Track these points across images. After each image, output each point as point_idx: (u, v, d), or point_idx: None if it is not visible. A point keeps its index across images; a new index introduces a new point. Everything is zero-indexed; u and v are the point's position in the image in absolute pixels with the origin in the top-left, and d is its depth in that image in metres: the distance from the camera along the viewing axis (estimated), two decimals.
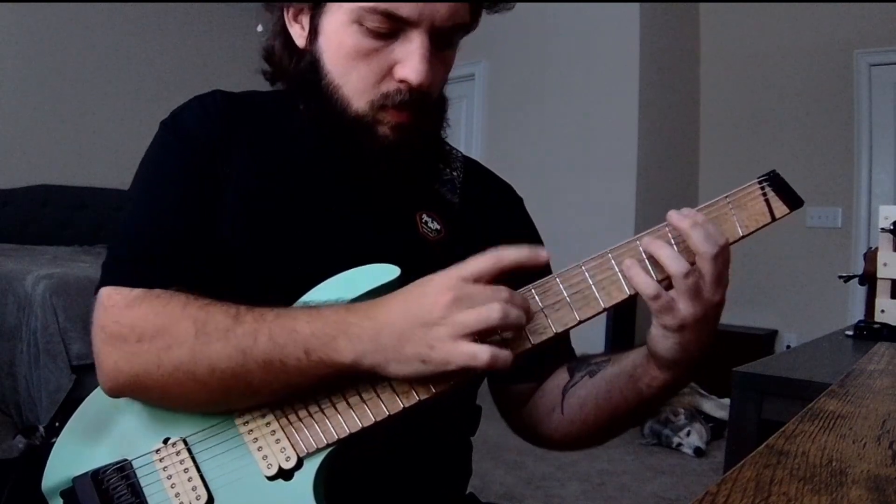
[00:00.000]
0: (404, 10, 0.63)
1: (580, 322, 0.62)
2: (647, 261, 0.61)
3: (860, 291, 2.26)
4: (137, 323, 0.61)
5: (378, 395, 0.60)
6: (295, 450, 0.60)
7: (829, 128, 3.62)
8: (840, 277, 1.69)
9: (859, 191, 3.54)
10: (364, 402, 0.60)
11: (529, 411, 0.80)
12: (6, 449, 2.38)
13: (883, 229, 1.27)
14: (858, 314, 2.38)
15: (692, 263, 0.60)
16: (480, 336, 0.56)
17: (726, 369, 1.17)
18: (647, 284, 0.60)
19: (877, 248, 1.32)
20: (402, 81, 0.66)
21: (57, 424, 0.67)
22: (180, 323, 0.60)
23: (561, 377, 0.77)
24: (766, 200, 0.63)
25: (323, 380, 0.59)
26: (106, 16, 4.41)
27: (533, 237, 0.85)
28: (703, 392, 3.24)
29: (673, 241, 0.61)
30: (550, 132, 3.90)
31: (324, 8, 0.68)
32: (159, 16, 4.65)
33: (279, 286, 0.64)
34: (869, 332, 1.45)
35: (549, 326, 0.61)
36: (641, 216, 3.54)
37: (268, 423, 0.61)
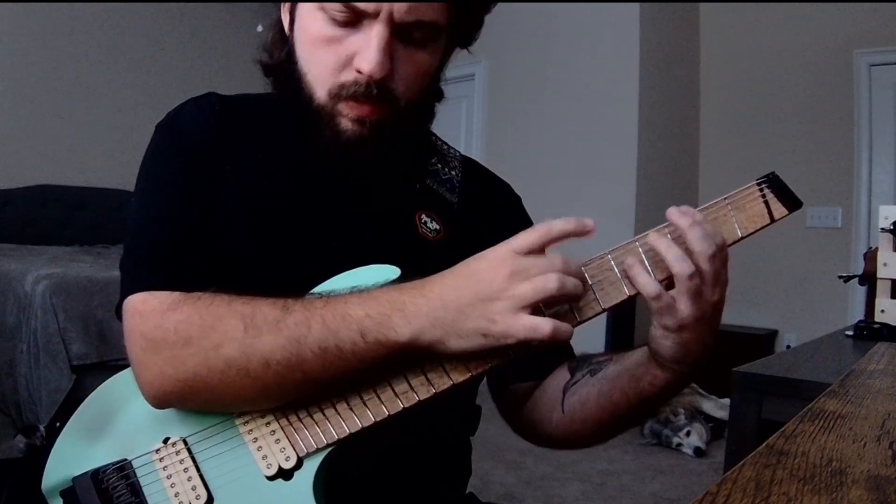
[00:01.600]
0: (362, 1, 0.63)
1: (579, 322, 0.62)
2: (647, 261, 0.61)
3: (860, 291, 2.26)
4: (181, 326, 0.59)
5: (377, 396, 0.60)
6: (295, 450, 0.60)
7: (829, 128, 3.62)
8: (840, 277, 1.69)
9: (859, 191, 3.54)
10: (363, 402, 0.60)
11: (530, 410, 0.80)
12: (6, 449, 2.38)
13: (883, 229, 1.27)
14: (858, 314, 2.39)
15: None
16: (542, 306, 0.57)
17: (726, 369, 1.17)
18: (649, 285, 0.60)
19: (877, 248, 1.32)
20: (359, 72, 0.65)
21: (58, 424, 0.66)
22: (228, 321, 0.59)
23: (562, 376, 0.77)
24: (765, 202, 0.63)
25: (379, 362, 0.58)
26: (106, 16, 4.41)
27: None
28: (703, 392, 3.24)
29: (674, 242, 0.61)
30: (550, 132, 3.90)
31: None
32: (159, 16, 4.65)
33: (279, 286, 0.64)
34: (869, 332, 1.45)
35: None
36: (641, 216, 3.54)
37: (268, 423, 0.61)
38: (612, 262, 0.62)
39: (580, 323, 0.61)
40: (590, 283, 0.61)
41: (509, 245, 0.58)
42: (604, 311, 0.62)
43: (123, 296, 0.64)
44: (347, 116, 0.67)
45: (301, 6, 0.68)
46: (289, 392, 0.60)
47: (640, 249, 0.62)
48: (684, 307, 0.59)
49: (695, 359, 0.64)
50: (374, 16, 0.63)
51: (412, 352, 0.58)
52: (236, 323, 0.58)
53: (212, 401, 0.61)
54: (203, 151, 0.69)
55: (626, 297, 0.62)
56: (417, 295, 0.57)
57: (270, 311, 0.59)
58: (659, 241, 0.60)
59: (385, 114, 0.67)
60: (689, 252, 0.59)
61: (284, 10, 0.73)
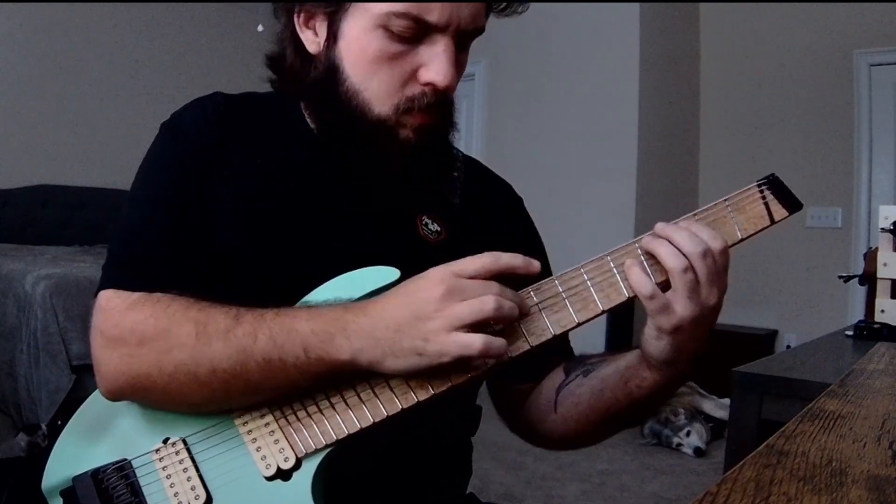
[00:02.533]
0: (434, 15, 0.64)
1: (579, 324, 0.62)
2: (645, 262, 0.62)
3: (860, 291, 2.26)
4: (137, 326, 0.61)
5: (376, 396, 0.60)
6: (293, 450, 0.60)
7: (829, 128, 3.62)
8: (840, 277, 1.69)
9: (859, 191, 3.54)
10: (363, 402, 0.60)
11: (527, 410, 0.80)
12: (7, 449, 2.38)
13: (883, 229, 1.28)
14: (858, 314, 2.38)
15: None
16: (476, 329, 0.56)
17: (726, 369, 1.17)
18: (643, 283, 0.60)
19: (877, 248, 1.32)
20: (427, 84, 0.66)
21: (59, 423, 0.67)
22: (181, 325, 0.60)
23: (557, 376, 0.77)
24: (765, 203, 0.63)
25: (322, 377, 0.59)
26: (106, 16, 4.40)
27: (533, 237, 0.85)
28: (703, 392, 3.24)
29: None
30: (550, 132, 3.89)
31: (343, 13, 0.68)
32: (160, 15, 4.65)
33: (280, 286, 0.64)
34: (869, 332, 1.44)
35: (548, 328, 0.61)
36: (641, 216, 3.54)
37: (267, 424, 0.61)
38: (612, 263, 0.62)
39: (579, 325, 0.62)
40: (589, 283, 0.61)
41: (450, 266, 0.58)
42: (603, 312, 0.62)
43: (97, 290, 0.66)
44: (410, 126, 0.68)
45: (351, 25, 0.67)
46: (234, 398, 0.61)
47: (639, 251, 0.62)
48: (680, 307, 0.59)
49: (686, 361, 0.64)
50: (443, 29, 0.64)
51: (353, 370, 0.59)
52: (189, 329, 0.60)
53: (161, 400, 0.63)
54: (202, 153, 0.69)
55: (625, 298, 0.62)
56: (361, 314, 0.58)
57: (223, 320, 0.60)
58: (653, 240, 0.61)
59: (440, 120, 0.69)
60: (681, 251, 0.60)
61: (303, 25, 0.71)
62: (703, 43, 4.08)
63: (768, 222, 0.63)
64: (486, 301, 0.56)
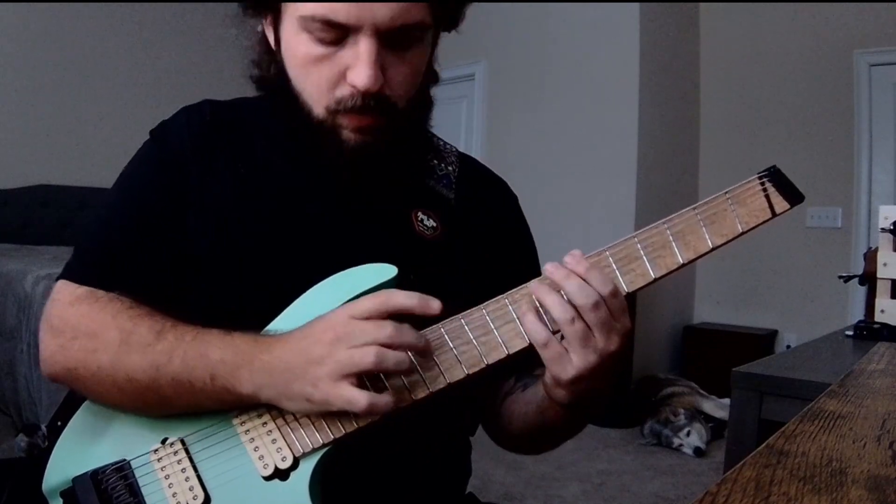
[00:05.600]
0: (341, 15, 0.62)
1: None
2: (540, 308, 0.60)
3: (860, 291, 2.26)
4: (73, 322, 0.65)
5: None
6: (291, 450, 0.60)
7: (829, 128, 3.62)
8: (840, 277, 1.69)
9: (859, 191, 3.53)
10: None
11: (487, 407, 0.81)
12: (7, 449, 2.38)
13: (883, 229, 1.27)
14: (858, 314, 2.38)
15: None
16: (365, 375, 0.57)
17: (726, 369, 1.17)
18: (537, 331, 0.58)
19: (877, 248, 1.32)
20: (353, 87, 0.65)
21: (59, 423, 0.67)
22: (108, 330, 0.63)
23: (508, 382, 0.78)
24: (767, 196, 0.62)
25: (229, 405, 0.61)
26: (106, 16, 4.40)
27: (525, 237, 0.85)
28: (703, 392, 3.23)
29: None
30: (550, 132, 3.89)
31: (281, 17, 0.68)
32: (160, 16, 4.65)
33: (278, 288, 0.64)
34: (869, 332, 1.45)
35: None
36: (641, 216, 3.53)
37: (264, 424, 0.61)
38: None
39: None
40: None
41: (346, 309, 0.58)
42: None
43: (57, 278, 0.69)
44: (348, 128, 0.67)
45: (284, 29, 0.68)
46: (149, 407, 0.63)
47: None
48: (576, 357, 0.58)
49: (591, 406, 0.64)
50: (359, 29, 0.63)
51: (256, 404, 0.60)
52: (114, 335, 0.62)
53: (87, 393, 0.66)
54: (183, 162, 0.70)
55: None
56: (266, 350, 0.58)
57: (146, 334, 0.62)
58: (538, 288, 0.59)
59: (385, 120, 0.67)
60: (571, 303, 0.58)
61: (268, 27, 0.72)
62: (703, 43, 4.08)
63: (769, 215, 0.62)
64: (367, 353, 0.55)
